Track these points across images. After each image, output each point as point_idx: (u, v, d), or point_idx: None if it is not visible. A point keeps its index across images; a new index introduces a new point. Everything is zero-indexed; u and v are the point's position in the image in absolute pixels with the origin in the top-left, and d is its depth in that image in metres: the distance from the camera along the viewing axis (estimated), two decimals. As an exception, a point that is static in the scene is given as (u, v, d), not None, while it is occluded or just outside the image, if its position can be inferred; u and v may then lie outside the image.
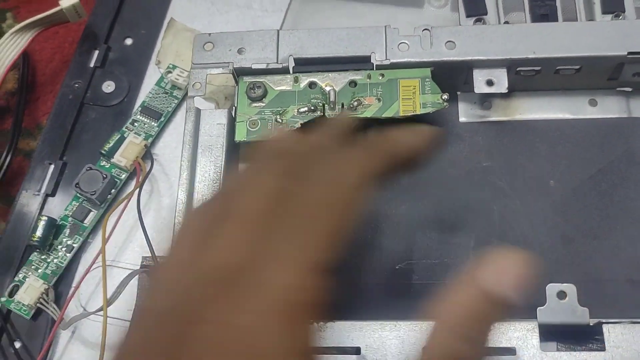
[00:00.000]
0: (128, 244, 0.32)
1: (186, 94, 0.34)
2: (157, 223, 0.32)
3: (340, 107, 0.29)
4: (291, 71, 0.30)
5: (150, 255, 0.31)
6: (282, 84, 0.30)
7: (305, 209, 0.16)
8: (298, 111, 0.29)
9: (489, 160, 0.30)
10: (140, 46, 0.37)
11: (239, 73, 0.30)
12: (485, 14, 0.30)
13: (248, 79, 0.30)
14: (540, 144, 0.30)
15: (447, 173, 0.30)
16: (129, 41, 0.37)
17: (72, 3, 0.34)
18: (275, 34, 0.30)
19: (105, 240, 0.28)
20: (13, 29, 0.34)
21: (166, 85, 0.35)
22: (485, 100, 0.31)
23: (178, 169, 0.32)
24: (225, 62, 0.30)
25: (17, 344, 0.30)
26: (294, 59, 0.30)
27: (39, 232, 0.30)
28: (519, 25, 0.29)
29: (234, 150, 0.29)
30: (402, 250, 0.29)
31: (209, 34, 0.31)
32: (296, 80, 0.30)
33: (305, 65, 0.30)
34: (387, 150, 0.20)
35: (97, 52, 0.36)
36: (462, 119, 0.31)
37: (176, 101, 0.34)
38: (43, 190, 0.33)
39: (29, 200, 0.33)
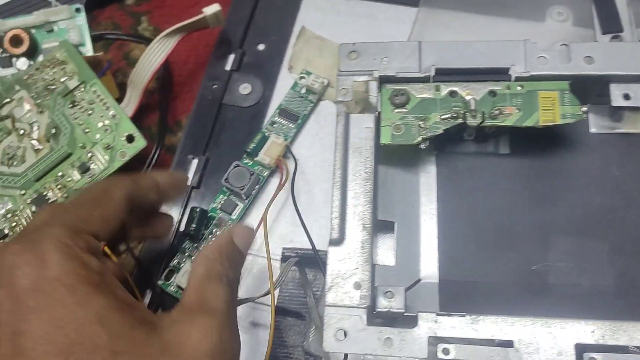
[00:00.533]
0: (270, 234, 0.34)
1: (319, 98, 0.37)
2: (295, 217, 0.34)
3: (481, 114, 0.31)
4: (433, 80, 0.32)
5: (289, 247, 0.34)
6: (423, 92, 0.32)
7: None
8: (441, 118, 0.31)
9: (620, 170, 0.31)
10: (271, 51, 0.39)
11: (383, 81, 0.32)
12: (621, 31, 0.32)
13: (391, 87, 0.32)
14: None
15: (579, 181, 0.32)
16: (261, 46, 0.40)
17: (214, 11, 0.37)
18: (418, 45, 0.32)
19: (267, 232, 0.31)
20: (161, 35, 0.37)
21: (301, 90, 0.37)
22: (616, 113, 0.32)
23: (313, 167, 0.35)
24: (369, 70, 0.32)
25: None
26: (436, 69, 0.32)
27: (194, 222, 0.33)
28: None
29: (380, 151, 0.31)
30: (538, 252, 0.30)
31: (353, 44, 0.33)
32: (437, 88, 0.32)
33: (446, 75, 0.32)
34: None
35: (232, 56, 0.39)
36: (592, 129, 0.33)
37: (311, 105, 0.37)
38: (189, 183, 0.36)
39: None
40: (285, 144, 0.35)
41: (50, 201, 0.34)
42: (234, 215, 0.34)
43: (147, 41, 0.41)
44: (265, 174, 0.35)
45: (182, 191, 0.32)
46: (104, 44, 0.42)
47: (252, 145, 0.35)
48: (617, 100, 0.30)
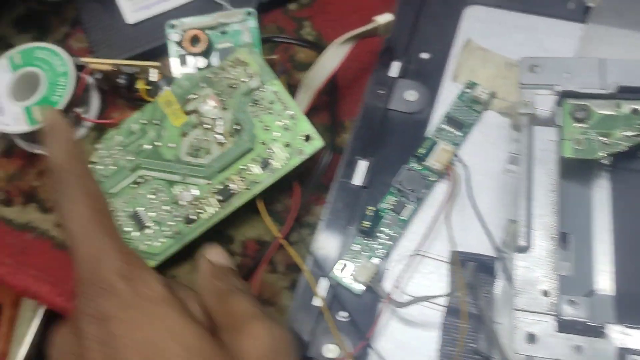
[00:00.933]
0: (436, 236, 0.36)
1: (484, 108, 0.39)
2: (462, 222, 0.36)
3: (667, 133, 0.32)
4: (616, 97, 0.33)
5: (457, 250, 0.36)
6: (605, 108, 0.33)
7: None
8: (624, 135, 0.32)
9: None
10: (435, 60, 0.41)
11: (563, 95, 0.34)
12: None
13: (572, 101, 0.33)
14: None
15: None
16: (424, 55, 0.41)
17: (387, 21, 0.39)
18: (600, 61, 0.33)
19: (453, 237, 0.33)
20: (338, 41, 0.39)
21: (467, 100, 0.39)
22: None
23: (476, 175, 0.37)
24: (550, 84, 0.34)
25: (343, 314, 0.35)
26: (620, 86, 0.33)
27: (367, 220, 0.35)
28: None
29: (562, 164, 0.33)
30: None
31: (534, 58, 0.35)
32: (619, 105, 0.33)
33: (629, 92, 0.33)
34: None
35: (397, 63, 0.41)
36: None
37: (476, 114, 0.39)
38: (357, 183, 0.38)
39: (342, 192, 0.38)
40: (454, 150, 0.37)
41: (233, 192, 0.38)
42: (404, 216, 0.37)
43: (312, 45, 0.44)
44: (434, 179, 0.37)
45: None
46: (269, 47, 0.45)
47: (421, 151, 0.37)
48: None
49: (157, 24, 0.45)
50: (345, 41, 0.39)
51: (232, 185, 0.38)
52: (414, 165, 0.38)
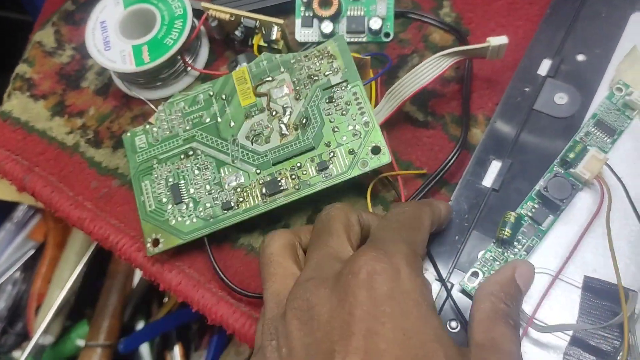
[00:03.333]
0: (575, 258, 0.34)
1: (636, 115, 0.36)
2: (601, 245, 0.33)
3: None
4: None
5: (592, 276, 0.33)
6: None
7: None
8: None
9: None
10: (592, 65, 0.38)
11: None
12: None
13: None
14: None
15: None
16: (580, 57, 0.39)
17: (500, 44, 0.36)
18: None
19: (615, 258, 0.30)
20: (440, 54, 0.36)
21: (617, 102, 0.36)
22: None
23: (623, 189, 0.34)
24: None
25: (454, 324, 0.33)
26: None
27: (508, 228, 0.33)
28: None
29: None
30: None
31: None
32: None
33: None
34: None
35: (548, 61, 0.38)
36: None
37: (628, 121, 0.36)
38: (487, 184, 0.36)
39: (468, 192, 0.36)
40: (605, 159, 0.34)
41: (282, 188, 0.36)
42: (544, 226, 0.34)
43: (449, 28, 0.42)
44: (580, 187, 0.34)
45: (445, 224, 0.34)
46: (402, 22, 0.43)
47: (571, 155, 0.34)
48: None
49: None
50: (447, 55, 0.36)
51: (282, 181, 0.36)
52: (560, 170, 0.35)
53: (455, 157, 0.36)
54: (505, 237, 0.33)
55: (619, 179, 0.34)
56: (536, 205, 0.34)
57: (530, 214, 0.34)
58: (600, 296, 0.32)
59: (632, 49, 0.38)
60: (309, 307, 0.26)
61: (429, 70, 0.36)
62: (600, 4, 0.40)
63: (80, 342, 0.74)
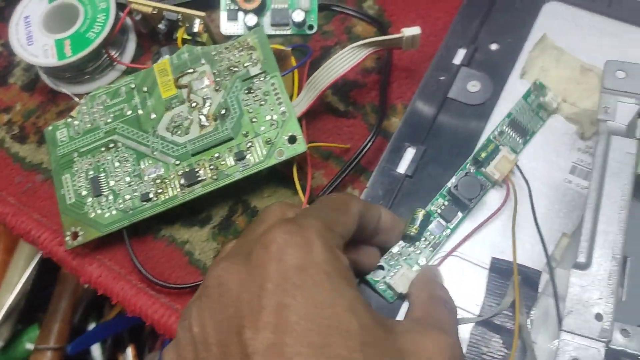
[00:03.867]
0: (479, 242, 0.35)
1: (549, 116, 0.37)
2: (507, 229, 0.35)
3: None
4: None
5: (499, 258, 0.34)
6: (694, 129, 0.31)
7: None
8: None
9: None
10: (505, 53, 0.39)
11: (649, 106, 0.32)
12: None
13: (657, 114, 0.32)
14: None
15: None
16: (494, 46, 0.40)
17: (413, 34, 0.37)
18: (696, 76, 0.32)
19: (515, 248, 0.32)
20: (355, 44, 0.37)
21: (532, 103, 0.37)
22: None
23: (533, 182, 0.35)
24: (637, 94, 0.32)
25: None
26: None
27: (416, 225, 0.34)
28: None
29: (637, 181, 0.31)
30: None
31: (622, 62, 0.33)
32: None
33: None
34: None
35: (463, 50, 0.40)
36: None
37: (541, 122, 0.37)
38: (401, 171, 0.37)
39: (383, 178, 0.37)
40: (516, 161, 0.35)
41: (200, 179, 0.36)
42: (452, 225, 0.35)
43: (370, 19, 0.43)
44: (488, 187, 0.36)
45: (397, 238, 0.34)
46: (326, 15, 0.44)
47: (484, 155, 0.35)
48: None
49: (212, -28, 0.44)
50: (363, 45, 0.37)
51: (200, 172, 0.36)
52: (472, 168, 0.36)
53: (369, 144, 0.37)
54: (412, 233, 0.34)
55: (526, 181, 0.35)
56: (446, 203, 0.35)
57: (439, 211, 0.35)
58: (505, 276, 0.33)
59: (542, 37, 0.39)
60: (220, 283, 0.25)
61: (345, 60, 0.37)
62: (514, -7, 0.41)
63: (30, 346, 0.73)
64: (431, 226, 0.35)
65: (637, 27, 0.40)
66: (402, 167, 0.37)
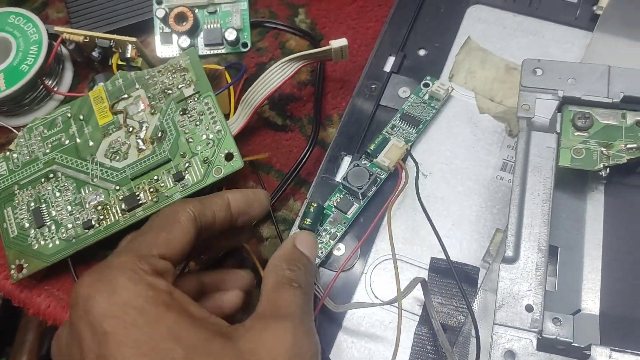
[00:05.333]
0: (418, 244, 0.35)
1: (442, 104, 0.38)
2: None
3: (671, 148, 0.31)
4: (620, 107, 0.32)
5: (438, 257, 0.34)
6: (608, 118, 0.32)
7: None
8: (625, 146, 0.31)
9: None
10: (433, 57, 0.40)
11: (565, 102, 0.33)
12: None
13: (574, 108, 0.33)
14: None
15: None
16: (422, 52, 0.40)
17: (341, 45, 0.37)
18: (607, 69, 0.33)
19: (392, 235, 0.32)
20: (285, 59, 0.37)
21: (424, 96, 0.38)
22: None
23: (432, 172, 0.36)
24: (554, 89, 0.33)
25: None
26: (624, 96, 0.32)
27: (309, 217, 0.35)
28: None
29: (558, 173, 0.32)
30: None
31: (539, 60, 0.34)
32: (623, 116, 0.32)
33: (634, 103, 0.32)
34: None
35: (392, 58, 0.40)
36: None
37: (433, 111, 0.38)
38: (340, 179, 0.37)
39: (322, 189, 0.37)
40: (406, 147, 0.36)
41: (140, 202, 0.36)
42: (349, 215, 0.35)
43: (302, 33, 0.43)
44: (383, 176, 0.36)
45: (261, 210, 0.33)
46: (260, 31, 0.44)
47: (372, 147, 0.36)
48: None
49: (142, -3, 0.44)
50: (293, 60, 0.37)
51: (140, 195, 0.36)
52: (365, 162, 0.37)
53: (306, 156, 0.37)
54: (305, 225, 0.34)
55: (415, 162, 0.36)
56: (342, 196, 0.36)
57: (336, 204, 0.36)
58: (445, 275, 0.34)
59: (467, 40, 0.40)
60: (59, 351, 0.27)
61: (276, 75, 0.37)
62: (439, 0, 0.42)
63: (-2, 381, 0.72)
64: (330, 219, 0.36)
65: (557, 24, 0.41)
66: (340, 176, 0.37)
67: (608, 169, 0.31)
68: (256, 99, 0.37)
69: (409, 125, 0.38)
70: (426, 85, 0.39)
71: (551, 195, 0.31)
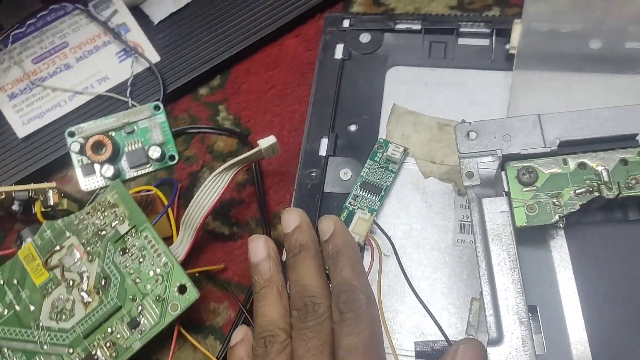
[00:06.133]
0: (397, 329, 0.34)
1: (399, 167, 0.37)
2: (417, 305, 0.34)
3: (617, 186, 0.31)
4: (559, 153, 0.32)
5: (421, 340, 0.33)
6: (551, 167, 0.32)
7: None
8: (575, 193, 0.31)
9: None
10: (364, 130, 0.39)
11: (506, 159, 0.32)
12: None
13: (515, 164, 0.32)
14: None
15: None
16: (353, 127, 0.39)
17: (270, 143, 0.35)
18: (538, 118, 0.32)
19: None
20: (216, 171, 0.35)
21: (380, 160, 0.37)
22: None
23: (430, 250, 0.34)
24: (492, 150, 0.32)
25: None
26: (560, 141, 0.32)
27: None
28: None
29: (521, 235, 0.31)
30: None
31: (470, 123, 0.33)
32: (565, 162, 0.32)
33: (572, 146, 0.32)
34: None
35: (325, 140, 0.39)
36: None
37: (392, 175, 0.37)
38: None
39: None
40: (372, 219, 0.35)
41: None
42: None
43: (227, 131, 0.41)
44: None
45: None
46: (185, 139, 0.42)
47: None
48: None
49: (54, 133, 0.41)
50: (224, 170, 0.35)
51: (97, 353, 0.33)
52: None
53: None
54: None
55: (387, 235, 0.35)
56: None
57: None
58: (432, 355, 0.32)
59: (393, 107, 0.39)
60: None
61: (212, 190, 0.35)
62: (357, 70, 0.41)
63: None
64: None
65: (476, 70, 0.40)
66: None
67: (564, 219, 0.31)
68: (197, 217, 0.35)
69: (371, 194, 0.36)
70: (380, 147, 0.38)
71: (517, 261, 0.30)
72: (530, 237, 0.32)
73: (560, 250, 0.33)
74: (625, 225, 0.33)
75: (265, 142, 0.36)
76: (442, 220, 0.36)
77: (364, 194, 0.37)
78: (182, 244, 0.36)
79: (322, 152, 0.39)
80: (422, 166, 0.38)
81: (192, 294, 0.33)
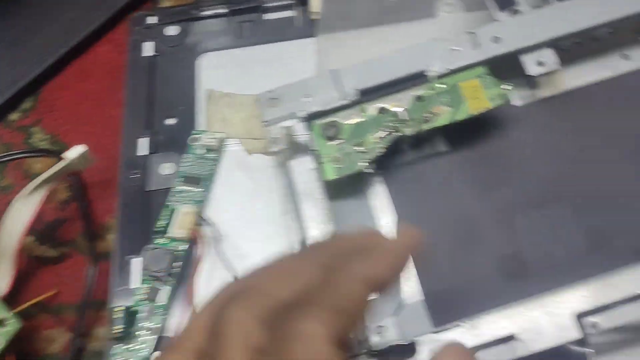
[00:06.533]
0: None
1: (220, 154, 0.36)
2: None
3: (415, 122, 0.31)
4: (358, 103, 0.32)
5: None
6: (353, 117, 0.32)
7: None
8: (377, 137, 0.31)
9: (554, 133, 0.33)
10: (183, 122, 0.38)
11: (311, 118, 0.32)
12: (517, 4, 0.33)
13: (319, 121, 0.32)
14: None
15: (522, 155, 0.33)
16: (171, 121, 0.38)
17: (80, 153, 0.34)
18: (334, 73, 0.32)
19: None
20: (20, 194, 0.33)
21: (197, 151, 0.36)
22: (532, 81, 0.34)
23: (234, 225, 0.34)
24: (294, 113, 0.32)
25: None
26: (357, 91, 0.32)
27: (119, 324, 0.30)
28: (551, 6, 0.33)
29: (331, 188, 0.31)
30: (506, 235, 0.31)
31: (270, 90, 0.33)
32: (364, 110, 0.32)
33: (369, 94, 0.32)
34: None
35: (143, 139, 0.37)
36: (517, 102, 0.34)
37: (215, 163, 0.36)
38: (136, 286, 0.33)
39: (124, 301, 0.33)
40: (196, 210, 0.34)
41: None
42: (160, 302, 0.32)
43: (41, 152, 0.38)
44: (184, 247, 0.33)
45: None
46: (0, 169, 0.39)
47: (160, 223, 0.33)
48: (531, 69, 0.32)
49: None
50: (34, 191, 0.33)
51: None
52: (160, 241, 0.33)
53: (92, 277, 0.33)
54: (117, 335, 0.30)
55: (210, 224, 0.33)
56: (148, 286, 0.32)
57: (144, 297, 0.32)
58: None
59: (208, 93, 0.38)
60: None
61: (20, 214, 0.33)
62: (167, 64, 0.40)
63: None
64: (143, 315, 0.31)
65: (284, 41, 0.40)
66: (135, 282, 0.33)
67: (372, 164, 0.31)
68: (9, 246, 0.33)
69: (194, 186, 0.35)
70: (194, 140, 0.36)
71: (330, 215, 0.29)
72: (348, 189, 0.33)
73: (380, 196, 0.33)
74: (435, 158, 0.34)
75: (72, 152, 0.34)
76: (269, 193, 0.35)
77: (187, 187, 0.35)
78: (3, 277, 0.33)
79: (142, 151, 0.37)
80: (245, 144, 0.37)
81: (14, 325, 0.31)
